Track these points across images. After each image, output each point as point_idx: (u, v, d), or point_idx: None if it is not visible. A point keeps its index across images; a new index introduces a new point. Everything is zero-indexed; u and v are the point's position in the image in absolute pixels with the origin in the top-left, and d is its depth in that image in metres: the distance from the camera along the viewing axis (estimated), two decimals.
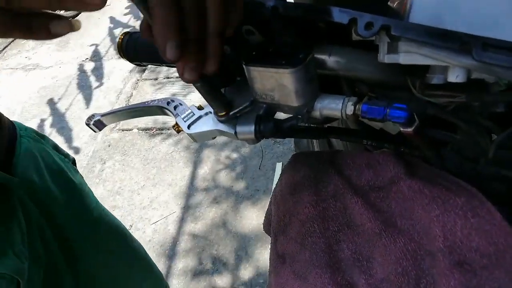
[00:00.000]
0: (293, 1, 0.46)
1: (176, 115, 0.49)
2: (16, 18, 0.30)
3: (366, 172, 0.51)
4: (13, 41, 4.31)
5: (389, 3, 0.45)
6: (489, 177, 0.46)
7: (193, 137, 0.49)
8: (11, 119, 0.73)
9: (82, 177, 0.87)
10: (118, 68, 3.45)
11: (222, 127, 0.46)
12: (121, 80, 3.30)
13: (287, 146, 2.34)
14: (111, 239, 0.90)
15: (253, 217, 2.04)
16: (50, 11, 0.31)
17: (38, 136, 0.78)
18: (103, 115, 0.52)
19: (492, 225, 0.40)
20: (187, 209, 2.17)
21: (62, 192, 0.76)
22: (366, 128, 0.56)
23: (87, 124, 0.52)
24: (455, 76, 0.36)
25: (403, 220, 0.46)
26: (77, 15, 4.39)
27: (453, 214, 0.43)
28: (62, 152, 0.83)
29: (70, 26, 0.32)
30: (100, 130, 0.53)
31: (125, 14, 4.27)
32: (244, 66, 0.42)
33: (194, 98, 2.83)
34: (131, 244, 0.98)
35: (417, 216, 0.45)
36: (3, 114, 0.71)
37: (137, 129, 2.76)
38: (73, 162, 0.87)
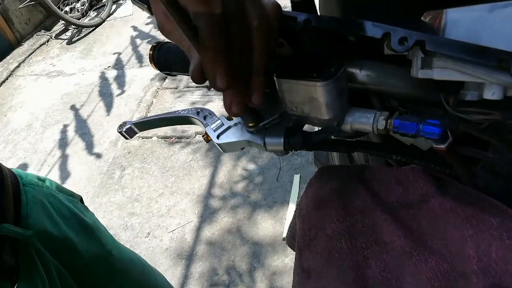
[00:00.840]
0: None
1: (205, 125, 0.49)
2: None
3: (396, 188, 0.50)
4: (38, 48, 4.42)
5: (422, 17, 0.44)
6: None
7: (222, 147, 0.49)
8: (9, 167, 0.71)
9: (93, 214, 0.85)
10: (139, 77, 3.51)
11: (251, 137, 0.46)
12: (142, 89, 3.34)
13: (305, 158, 2.33)
14: (129, 275, 0.88)
15: (269, 229, 2.03)
16: None
17: (41, 181, 0.75)
18: (134, 123, 0.53)
19: None
20: (204, 218, 2.17)
21: (78, 236, 0.74)
22: (395, 143, 0.55)
23: (119, 132, 0.53)
24: (491, 93, 0.35)
25: (434, 239, 0.45)
26: (99, 25, 4.50)
27: (488, 235, 0.41)
28: (67, 193, 0.81)
29: None
30: (131, 137, 0.54)
31: (147, 24, 4.35)
32: (275, 78, 0.41)
33: (213, 107, 2.84)
34: (150, 277, 0.96)
35: (449, 236, 0.44)
36: (3, 165, 0.69)
37: (157, 137, 2.79)
38: (81, 200, 0.84)
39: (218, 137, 0.48)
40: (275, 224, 2.05)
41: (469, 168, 0.49)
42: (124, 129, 0.52)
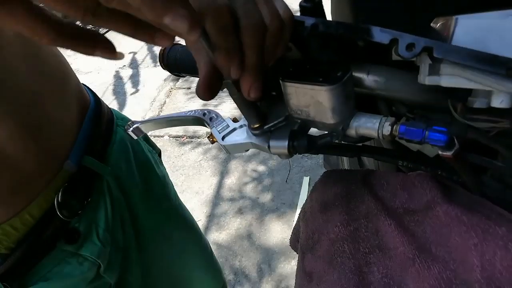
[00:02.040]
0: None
1: (211, 126, 0.50)
2: (68, 28, 0.31)
3: (401, 194, 0.50)
4: None
5: (431, 24, 0.44)
6: None
7: (227, 149, 0.49)
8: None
9: (165, 169, 0.90)
10: (153, 76, 3.54)
11: (255, 140, 0.46)
12: (156, 88, 3.37)
13: (315, 161, 2.32)
14: (181, 233, 0.92)
15: (277, 230, 2.03)
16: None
17: None
18: (141, 122, 0.54)
19: None
20: (212, 218, 2.18)
21: (144, 183, 0.79)
22: (401, 149, 0.55)
23: (126, 130, 0.54)
24: (500, 101, 0.35)
25: (438, 246, 0.44)
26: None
27: (493, 244, 0.41)
28: (151, 144, 0.87)
29: (114, 54, 0.34)
30: (138, 136, 0.55)
31: None
32: (281, 82, 0.42)
33: (225, 108, 2.85)
34: (199, 241, 1.00)
35: (454, 244, 0.43)
36: (104, 102, 0.75)
37: (168, 136, 2.81)
38: (159, 154, 0.90)
39: (223, 138, 0.48)
40: (283, 226, 2.04)
41: (476, 176, 0.48)
42: (131, 129, 0.53)
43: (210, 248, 1.07)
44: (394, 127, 0.37)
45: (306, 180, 2.23)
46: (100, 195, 0.68)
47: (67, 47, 0.32)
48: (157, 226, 0.83)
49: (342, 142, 0.56)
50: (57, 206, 0.60)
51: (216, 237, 2.07)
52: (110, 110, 0.76)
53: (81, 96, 0.70)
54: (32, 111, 0.57)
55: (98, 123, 0.70)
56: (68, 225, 0.62)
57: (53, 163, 0.61)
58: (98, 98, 0.75)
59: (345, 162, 1.24)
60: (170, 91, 3.27)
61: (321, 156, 2.16)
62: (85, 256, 0.64)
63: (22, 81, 0.55)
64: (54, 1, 0.28)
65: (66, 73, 0.66)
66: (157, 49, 3.93)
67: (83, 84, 0.73)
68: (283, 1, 0.38)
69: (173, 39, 0.32)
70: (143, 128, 0.54)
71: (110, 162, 0.70)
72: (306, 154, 2.37)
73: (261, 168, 2.40)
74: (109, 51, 0.33)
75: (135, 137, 0.55)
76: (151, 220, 0.81)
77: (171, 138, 2.80)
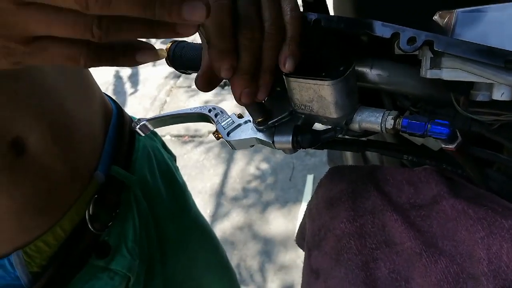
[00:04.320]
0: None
1: (216, 123, 0.50)
2: (102, 50, 0.30)
3: (407, 189, 0.50)
4: None
5: (434, 17, 0.44)
6: None
7: (232, 144, 0.49)
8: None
9: (182, 176, 0.89)
10: (154, 75, 3.54)
11: (260, 135, 0.46)
12: (156, 87, 3.37)
13: (318, 159, 2.32)
14: (200, 241, 0.90)
15: (282, 229, 2.03)
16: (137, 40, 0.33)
17: (153, 134, 0.81)
18: (148, 120, 0.54)
19: None
20: (216, 217, 2.18)
21: (168, 192, 0.77)
22: (406, 143, 0.55)
23: (133, 128, 0.54)
24: (500, 94, 0.35)
25: (445, 241, 0.44)
26: None
27: (499, 237, 0.41)
28: (168, 151, 0.86)
29: (156, 55, 0.33)
30: (145, 133, 0.55)
31: None
32: (284, 77, 0.42)
33: (226, 105, 2.85)
34: (216, 248, 0.99)
35: (460, 238, 0.43)
36: (124, 111, 0.74)
37: (170, 135, 2.81)
38: (175, 159, 0.89)
39: (228, 134, 0.49)
40: (288, 224, 2.04)
41: (482, 170, 0.48)
42: (138, 126, 0.54)
43: (226, 254, 1.06)
44: (397, 120, 0.37)
45: (310, 178, 2.23)
46: (128, 205, 0.66)
47: (110, 65, 0.32)
48: (180, 236, 0.82)
49: (347, 136, 0.56)
50: (88, 219, 0.57)
51: (220, 237, 2.06)
52: (130, 118, 0.75)
53: (104, 103, 0.69)
54: (60, 114, 0.55)
55: (122, 131, 0.68)
56: (98, 239, 0.60)
57: (83, 172, 0.59)
58: (119, 105, 0.74)
59: (349, 159, 1.24)
60: (171, 90, 3.27)
61: (324, 154, 2.16)
62: (115, 271, 0.62)
63: (49, 80, 0.54)
64: (61, 29, 0.27)
65: (88, 78, 0.65)
66: (157, 47, 3.92)
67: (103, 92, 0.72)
68: (295, 2, 0.37)
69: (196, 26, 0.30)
70: (150, 125, 0.55)
71: (135, 171, 0.69)
72: (310, 152, 2.37)
73: (264, 166, 2.40)
74: (151, 54, 0.33)
75: (143, 134, 0.55)
76: (174, 230, 0.79)
77: (173, 138, 2.80)
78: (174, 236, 0.80)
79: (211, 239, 0.96)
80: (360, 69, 0.44)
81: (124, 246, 0.63)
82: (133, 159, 0.69)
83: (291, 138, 0.43)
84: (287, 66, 0.37)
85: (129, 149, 0.69)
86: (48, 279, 0.54)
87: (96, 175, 0.60)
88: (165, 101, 3.16)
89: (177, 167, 0.87)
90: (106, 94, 0.72)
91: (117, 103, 0.73)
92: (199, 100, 3.02)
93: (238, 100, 0.38)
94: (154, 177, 0.74)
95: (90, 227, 0.57)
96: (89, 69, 0.65)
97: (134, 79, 3.59)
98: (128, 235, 0.65)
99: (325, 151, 1.68)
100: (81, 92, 0.62)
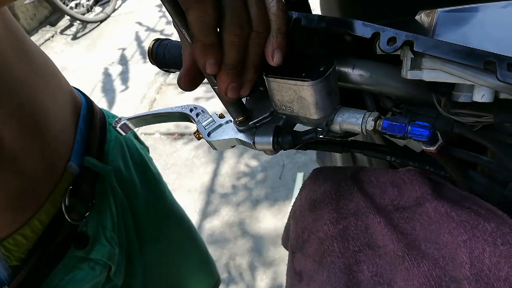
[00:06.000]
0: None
1: (197, 122, 0.49)
2: None
3: (390, 191, 0.49)
4: (43, 43, 4.43)
5: (416, 17, 0.43)
6: None
7: (212, 145, 0.49)
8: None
9: (156, 167, 0.89)
10: (143, 73, 3.51)
11: (241, 136, 0.46)
12: (146, 85, 3.34)
13: (309, 157, 2.32)
14: (177, 230, 0.91)
15: (271, 227, 2.02)
16: None
17: None
18: (129, 118, 0.53)
19: None
20: (205, 216, 2.17)
21: (142, 182, 0.78)
22: (391, 144, 0.54)
23: (114, 127, 0.53)
24: (481, 96, 0.35)
25: (427, 243, 0.44)
26: (104, 20, 4.50)
27: (482, 240, 0.40)
28: (140, 141, 0.86)
29: None
30: (126, 133, 0.55)
31: (152, 19, 4.34)
32: (264, 77, 0.41)
33: (216, 103, 2.84)
34: (194, 237, 1.00)
35: (443, 240, 0.43)
36: (94, 103, 0.74)
37: (159, 133, 2.79)
38: (148, 150, 0.89)
39: (208, 134, 0.48)
40: (277, 222, 2.04)
41: (463, 171, 0.47)
42: (119, 125, 0.53)
43: (204, 243, 1.06)
44: (378, 122, 0.37)
45: (300, 176, 2.22)
46: (104, 195, 0.67)
47: None
48: (157, 225, 0.83)
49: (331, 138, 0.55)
50: (65, 210, 0.58)
51: (209, 236, 2.06)
52: (101, 109, 0.75)
53: (73, 95, 0.69)
54: (31, 109, 0.55)
55: (92, 122, 0.69)
56: (76, 230, 0.61)
57: (57, 165, 0.60)
58: (88, 97, 0.74)
59: (338, 159, 1.23)
60: (160, 88, 3.25)
61: (315, 152, 2.16)
62: (96, 260, 0.63)
63: (17, 75, 0.54)
64: None
65: (55, 70, 0.65)
66: (146, 45, 3.89)
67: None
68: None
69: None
70: (131, 124, 0.54)
71: (108, 161, 0.69)
72: (300, 150, 2.36)
73: (255, 164, 2.39)
74: None
75: (123, 134, 0.54)
76: (151, 219, 0.80)
77: (162, 136, 2.78)
78: (151, 226, 0.80)
79: (189, 229, 0.97)
80: (342, 69, 0.43)
81: (103, 235, 0.64)
82: (105, 149, 0.70)
83: (271, 139, 0.43)
84: (275, 59, 0.36)
85: (101, 140, 0.69)
86: (28, 272, 0.55)
87: (69, 167, 0.61)
88: (155, 99, 3.14)
89: (151, 158, 0.87)
90: (75, 87, 0.72)
91: (86, 95, 0.74)
92: (189, 98, 3.00)
93: (225, 94, 0.38)
94: (128, 168, 0.75)
95: (67, 218, 0.58)
96: (51, 59, 0.66)
97: (123, 77, 3.55)
98: (106, 225, 0.65)
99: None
100: (50, 86, 0.62)
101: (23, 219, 0.54)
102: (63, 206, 0.58)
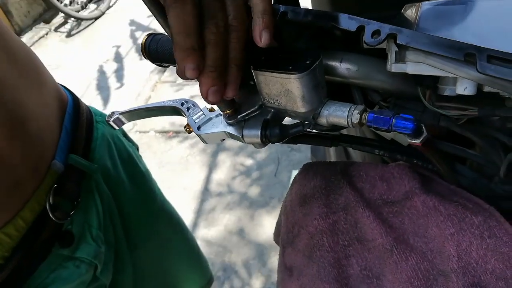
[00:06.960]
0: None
1: (188, 116, 0.50)
2: None
3: (380, 185, 0.49)
4: (37, 41, 4.41)
5: (402, 11, 0.43)
6: (503, 196, 0.43)
7: (202, 138, 0.49)
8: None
9: (145, 164, 0.88)
10: (138, 70, 3.49)
11: (230, 129, 0.46)
12: (140, 82, 3.33)
13: (304, 154, 2.32)
14: (168, 229, 0.91)
15: (267, 225, 2.03)
16: None
17: None
18: (121, 113, 0.53)
19: (510, 247, 0.38)
20: (201, 214, 2.17)
21: (131, 180, 0.78)
22: (380, 138, 0.54)
23: (107, 121, 0.53)
24: (463, 88, 0.35)
25: (416, 237, 0.44)
26: (98, 17, 4.48)
27: (469, 234, 0.40)
28: (128, 139, 0.85)
29: None
30: (119, 127, 0.55)
31: (147, 17, 4.32)
32: (252, 71, 0.41)
33: None
34: (185, 235, 0.99)
35: (431, 234, 0.43)
36: (81, 100, 0.74)
37: (154, 131, 2.78)
38: (137, 148, 0.89)
39: (199, 128, 0.48)
40: (272, 220, 2.04)
41: (450, 165, 0.48)
42: (112, 119, 0.53)
43: (196, 241, 1.06)
44: (363, 115, 0.37)
45: (294, 173, 2.22)
46: (89, 194, 0.66)
47: None
48: (146, 222, 0.82)
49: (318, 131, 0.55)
50: (49, 208, 0.58)
51: (204, 234, 2.06)
52: (88, 107, 0.75)
53: (58, 92, 0.68)
54: (13, 107, 0.55)
55: (78, 119, 0.68)
56: (61, 228, 0.60)
57: (41, 163, 0.59)
58: (75, 95, 0.73)
59: (331, 154, 1.23)
60: (155, 85, 3.24)
61: (309, 149, 2.16)
62: (81, 259, 0.62)
63: (0, 73, 0.53)
64: None
65: (39, 67, 0.64)
66: (138, 40, 3.87)
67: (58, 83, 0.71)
68: None
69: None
70: (123, 118, 0.54)
71: (94, 159, 0.69)
72: (295, 148, 2.36)
73: (250, 162, 2.39)
74: None
75: (117, 128, 0.55)
76: (139, 216, 0.80)
77: (157, 134, 2.77)
78: (140, 224, 0.80)
79: (180, 227, 0.97)
80: (330, 63, 0.43)
81: (88, 234, 0.64)
82: (92, 147, 0.69)
83: (259, 132, 0.43)
84: (263, 39, 0.36)
85: (87, 138, 0.69)
86: (12, 270, 0.55)
87: (53, 165, 0.60)
88: (150, 96, 3.13)
89: (140, 156, 0.87)
90: (61, 84, 0.72)
91: (72, 92, 0.73)
92: (184, 95, 2.99)
93: (205, 99, 0.37)
94: (115, 166, 0.74)
95: (51, 216, 0.57)
96: (37, 56, 0.66)
97: (118, 74, 3.54)
98: (92, 223, 0.65)
99: (311, 146, 1.68)
100: (34, 83, 0.61)
101: (7, 217, 0.54)
102: (47, 205, 0.58)
